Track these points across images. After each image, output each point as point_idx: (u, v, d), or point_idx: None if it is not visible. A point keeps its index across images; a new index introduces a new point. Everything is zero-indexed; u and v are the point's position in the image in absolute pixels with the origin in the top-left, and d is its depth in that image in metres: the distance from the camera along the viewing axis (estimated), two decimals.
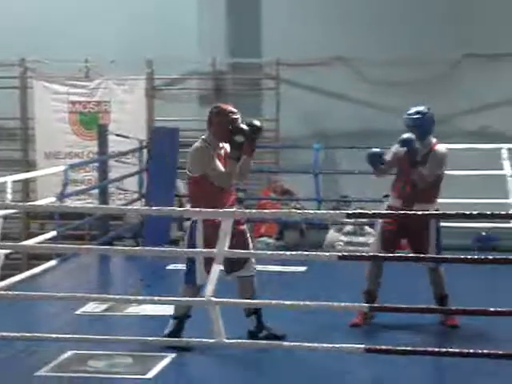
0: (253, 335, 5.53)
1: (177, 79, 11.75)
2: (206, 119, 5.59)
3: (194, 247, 5.43)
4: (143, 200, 9.34)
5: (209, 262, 5.14)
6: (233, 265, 5.43)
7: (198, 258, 5.39)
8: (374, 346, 4.89)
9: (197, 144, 5.55)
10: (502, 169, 8.65)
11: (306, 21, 11.33)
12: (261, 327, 5.56)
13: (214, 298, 4.89)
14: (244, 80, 11.71)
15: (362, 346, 4.85)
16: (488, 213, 4.99)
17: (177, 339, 5.30)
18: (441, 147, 6.17)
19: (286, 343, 4.99)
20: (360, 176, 9.97)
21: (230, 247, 5.04)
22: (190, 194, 5.64)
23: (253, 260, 5.58)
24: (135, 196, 9.96)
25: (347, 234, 9.88)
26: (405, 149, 6.03)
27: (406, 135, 6.03)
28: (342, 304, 5.08)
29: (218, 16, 11.54)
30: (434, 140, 6.16)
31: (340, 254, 5.07)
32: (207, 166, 5.44)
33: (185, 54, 11.20)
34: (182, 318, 5.48)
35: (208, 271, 5.13)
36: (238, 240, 5.45)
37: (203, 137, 5.58)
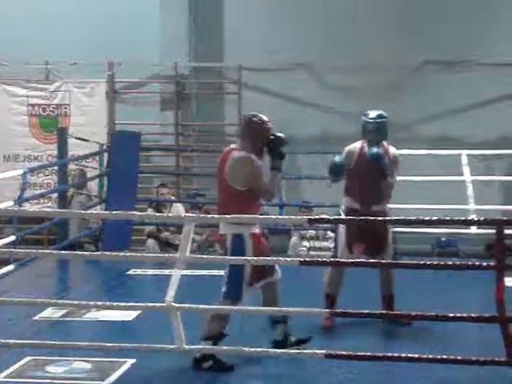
0: (279, 345, 5.24)
1: (138, 83, 11.69)
2: (242, 127, 5.28)
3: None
4: (103, 204, 9.26)
5: (256, 273, 5.10)
6: (264, 272, 5.26)
7: (246, 271, 5.13)
8: (333, 352, 4.88)
9: (240, 154, 5.14)
10: (462, 175, 8.72)
11: (269, 26, 11.35)
12: (287, 335, 5.33)
13: (174, 304, 4.85)
14: (206, 84, 11.68)
15: (323, 351, 4.85)
16: (448, 218, 5.03)
17: (136, 345, 5.24)
18: (394, 150, 6.28)
19: (246, 349, 4.95)
20: (322, 181, 10.01)
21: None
22: (225, 206, 5.19)
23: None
24: (95, 200, 9.88)
25: (310, 239, 9.89)
26: (357, 149, 6.08)
27: (375, 150, 6.02)
28: (303, 309, 5.06)
29: (181, 20, 11.51)
30: (385, 143, 6.20)
31: (301, 259, 5.05)
32: (257, 178, 5.11)
33: (147, 57, 11.15)
34: (216, 339, 5.13)
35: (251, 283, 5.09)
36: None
37: (236, 146, 5.22)
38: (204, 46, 11.59)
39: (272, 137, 5.22)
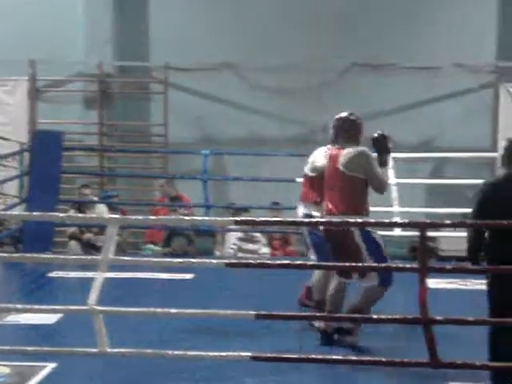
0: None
1: (61, 81, 11.47)
2: (344, 127, 5.80)
3: (384, 256, 5.50)
4: (24, 205, 9.05)
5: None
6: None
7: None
8: (260, 354, 4.85)
9: (360, 148, 5.66)
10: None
11: (195, 26, 11.28)
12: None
13: (97, 307, 4.75)
14: (132, 83, 11.54)
15: (249, 353, 4.81)
16: (372, 221, 5.05)
17: (57, 349, 5.10)
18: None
19: (170, 352, 4.88)
20: (248, 182, 10.00)
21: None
22: (347, 200, 5.57)
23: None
24: (15, 200, 9.66)
25: (239, 239, 9.86)
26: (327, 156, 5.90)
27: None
28: (229, 311, 5.02)
29: (105, 17, 11.34)
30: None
31: (227, 261, 5.01)
32: (375, 169, 5.61)
33: (70, 55, 10.96)
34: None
35: None
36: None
37: (337, 146, 5.73)
38: (129, 45, 11.45)
39: (378, 134, 5.76)
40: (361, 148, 5.68)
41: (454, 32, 10.98)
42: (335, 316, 5.36)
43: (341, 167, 5.62)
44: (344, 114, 5.94)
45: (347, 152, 5.65)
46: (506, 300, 4.67)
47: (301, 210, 6.12)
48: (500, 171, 4.99)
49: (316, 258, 5.97)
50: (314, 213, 5.98)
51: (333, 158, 5.71)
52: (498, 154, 9.40)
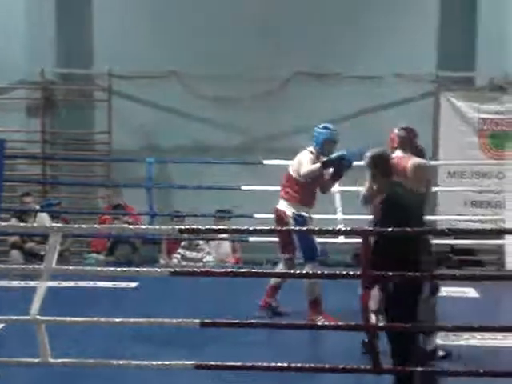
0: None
1: (3, 89, 11.30)
2: (406, 139, 6.23)
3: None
4: None
5: None
6: None
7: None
8: (203, 363, 4.85)
9: (419, 160, 6.08)
10: None
11: (140, 33, 11.22)
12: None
13: (39, 317, 4.70)
14: (75, 91, 11.43)
15: (192, 362, 4.80)
16: (316, 228, 5.09)
17: None
18: None
19: (114, 361, 4.85)
20: (193, 190, 9.98)
21: None
22: None
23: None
24: None
25: (182, 248, 9.84)
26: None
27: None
28: (174, 320, 5.01)
29: (48, 24, 11.22)
30: None
31: (172, 269, 5.00)
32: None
33: (12, 62, 10.81)
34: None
35: None
36: None
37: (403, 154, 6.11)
38: (72, 52, 11.34)
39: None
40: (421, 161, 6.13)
41: (396, 42, 11.12)
42: (274, 324, 5.38)
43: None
44: (402, 128, 6.41)
45: (414, 163, 6.12)
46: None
47: None
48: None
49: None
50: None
51: (402, 165, 6.14)
52: (439, 162, 9.60)
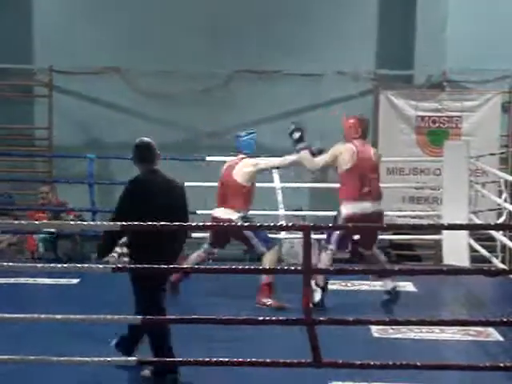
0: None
1: None
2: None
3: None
4: None
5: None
6: None
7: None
8: (146, 358, 4.86)
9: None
10: (272, 181, 8.94)
11: (81, 29, 11.15)
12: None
13: None
14: (15, 86, 11.30)
15: (135, 358, 4.81)
16: (258, 224, 5.15)
17: None
18: None
19: (55, 358, 4.83)
20: None
21: None
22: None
23: None
24: None
25: (123, 245, 9.78)
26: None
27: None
28: (116, 316, 5.01)
29: None
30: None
31: (114, 266, 5.00)
32: None
33: None
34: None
35: None
36: None
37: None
38: (12, 47, 11.20)
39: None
40: None
41: (336, 40, 11.25)
42: (214, 319, 5.40)
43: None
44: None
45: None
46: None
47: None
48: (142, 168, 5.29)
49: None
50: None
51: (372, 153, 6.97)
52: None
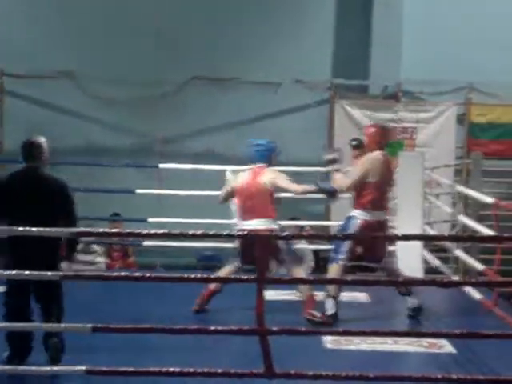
0: None
1: None
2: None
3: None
4: None
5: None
6: None
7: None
8: (94, 368, 4.76)
9: None
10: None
11: (33, 33, 11.01)
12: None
13: None
14: None
15: (83, 367, 4.71)
16: (212, 232, 5.07)
17: None
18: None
19: (6, 367, 4.70)
20: (86, 194, 9.81)
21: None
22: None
23: None
24: None
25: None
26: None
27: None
28: (65, 325, 4.90)
29: None
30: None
31: (61, 273, 4.89)
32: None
33: None
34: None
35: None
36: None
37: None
38: None
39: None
40: None
41: (294, 49, 11.26)
42: (166, 328, 5.32)
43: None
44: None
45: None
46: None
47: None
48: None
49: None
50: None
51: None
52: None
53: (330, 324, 6.45)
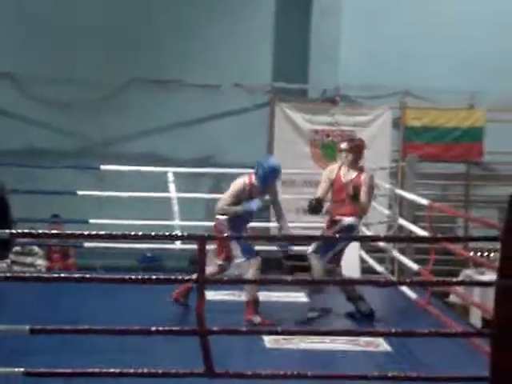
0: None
1: None
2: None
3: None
4: None
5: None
6: None
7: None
8: (33, 370, 4.76)
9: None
10: (167, 191, 8.91)
11: None
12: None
13: None
14: None
15: (21, 369, 4.71)
16: (153, 234, 5.12)
17: None
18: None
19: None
20: (27, 195, 9.75)
21: None
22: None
23: None
24: None
25: (15, 253, 9.59)
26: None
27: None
28: (2, 326, 4.89)
29: None
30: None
31: (3, 275, 4.88)
32: None
33: None
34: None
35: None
36: None
37: None
38: None
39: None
40: None
41: (234, 52, 11.36)
42: (119, 329, 5.35)
43: None
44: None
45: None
46: None
47: None
48: None
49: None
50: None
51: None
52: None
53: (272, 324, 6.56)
